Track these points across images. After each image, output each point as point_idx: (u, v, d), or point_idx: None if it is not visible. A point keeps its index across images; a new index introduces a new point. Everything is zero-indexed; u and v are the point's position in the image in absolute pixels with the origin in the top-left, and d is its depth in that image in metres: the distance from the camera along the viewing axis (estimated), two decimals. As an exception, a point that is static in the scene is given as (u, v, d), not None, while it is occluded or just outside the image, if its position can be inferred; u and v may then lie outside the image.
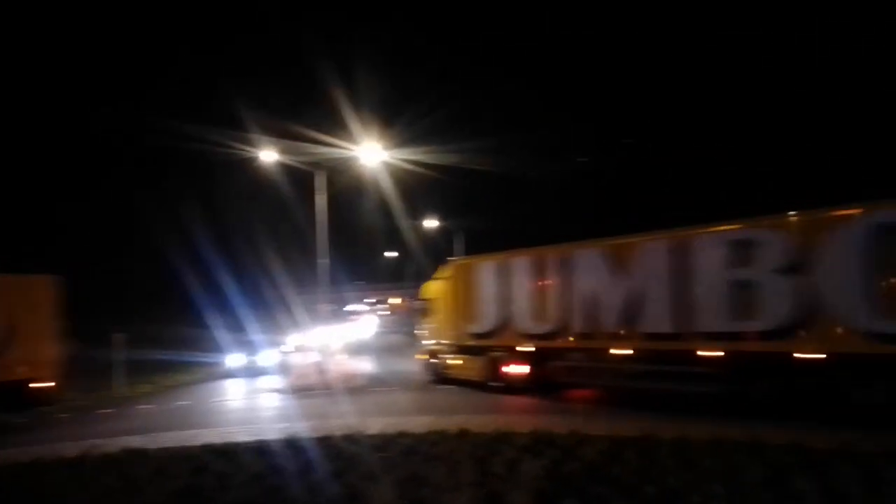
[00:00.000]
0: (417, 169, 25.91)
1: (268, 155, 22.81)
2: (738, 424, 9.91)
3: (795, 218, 11.61)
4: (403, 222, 36.67)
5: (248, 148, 22.85)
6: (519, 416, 12.45)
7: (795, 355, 11.10)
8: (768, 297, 11.51)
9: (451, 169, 29.48)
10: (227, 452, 9.39)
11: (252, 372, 24.16)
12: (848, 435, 8.63)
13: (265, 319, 33.72)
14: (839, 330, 10.73)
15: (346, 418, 12.47)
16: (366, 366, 24.71)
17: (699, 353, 12.39)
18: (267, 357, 25.13)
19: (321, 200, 23.24)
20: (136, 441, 10.90)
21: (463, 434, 10.02)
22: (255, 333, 26.53)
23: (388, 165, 24.35)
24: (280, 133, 23.20)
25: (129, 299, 37.94)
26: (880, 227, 10.36)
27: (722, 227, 12.57)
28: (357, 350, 30.86)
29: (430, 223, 39.22)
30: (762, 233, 11.86)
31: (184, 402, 18.14)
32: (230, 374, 24.23)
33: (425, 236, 39.07)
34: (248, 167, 24.56)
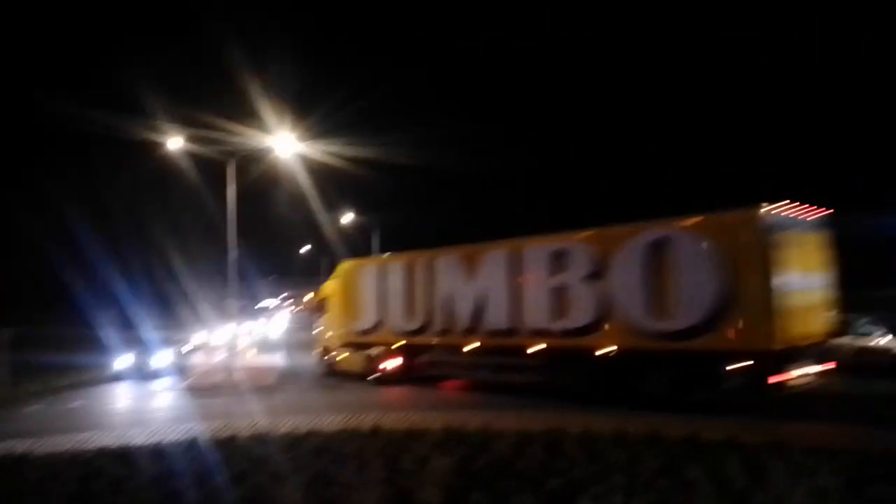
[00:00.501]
0: (336, 162, 25.55)
1: (174, 142, 21.75)
2: (639, 419, 10.43)
3: (597, 233, 13.57)
4: (319, 216, 36.00)
5: (152, 134, 21.70)
6: (430, 413, 12.50)
7: (595, 350, 13.01)
8: (577, 300, 13.42)
9: (370, 163, 29.23)
10: (123, 456, 8.87)
11: (144, 374, 22.54)
12: (735, 427, 9.31)
13: (166, 317, 32.05)
14: (625, 328, 12.63)
15: (253, 418, 12.09)
16: (276, 363, 24.08)
17: (527, 347, 14.23)
18: (162, 357, 23.57)
19: (232, 192, 22.43)
20: (20, 445, 10.09)
21: (374, 432, 9.95)
22: (151, 332, 24.99)
23: (304, 157, 23.84)
24: (189, 122, 22.19)
25: (13, 299, 35.02)
26: (652, 242, 12.33)
27: (544, 239, 14.42)
28: (267, 347, 29.98)
29: (347, 217, 38.71)
30: (574, 245, 13.74)
31: (75, 404, 17.00)
32: (118, 378, 22.49)
33: (342, 231, 38.51)
34: (153, 156, 23.30)
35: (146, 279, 34.65)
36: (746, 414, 11.03)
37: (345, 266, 20.53)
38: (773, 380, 10.86)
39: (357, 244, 35.82)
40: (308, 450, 8.80)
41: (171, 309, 32.62)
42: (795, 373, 11.13)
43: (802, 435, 8.86)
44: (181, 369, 21.69)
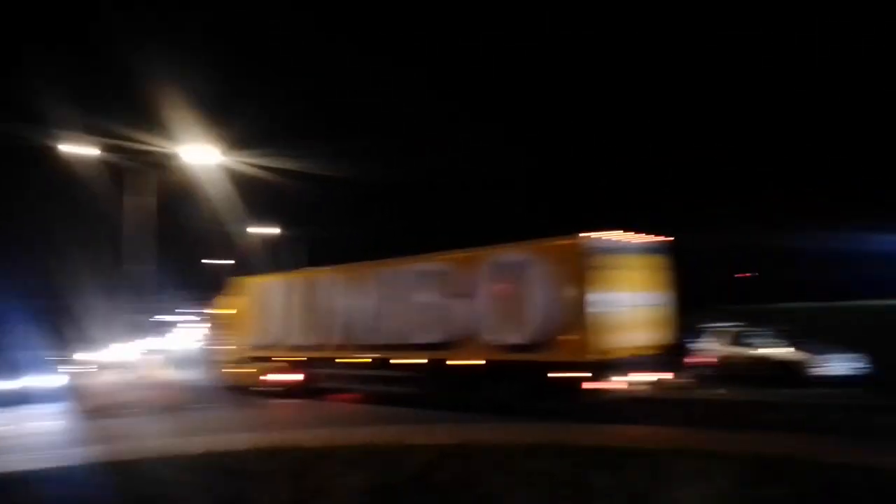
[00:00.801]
0: (260, 173, 24.90)
1: (69, 147, 20.37)
2: (551, 428, 10.68)
3: (463, 254, 14.66)
4: (239, 228, 34.73)
5: (53, 143, 20.30)
6: (341, 428, 12.25)
7: (461, 363, 13.99)
8: (448, 316, 14.39)
9: (298, 174, 28.46)
10: (4, 483, 8.16)
11: (20, 398, 20.35)
12: (640, 434, 9.71)
13: (65, 335, 29.91)
14: (483, 342, 13.71)
15: (160, 439, 11.47)
16: (185, 380, 23.02)
17: (410, 361, 15.09)
18: (53, 378, 21.59)
19: (134, 201, 21.42)
20: None
21: (288, 449, 9.65)
22: (43, 352, 23.03)
23: (224, 168, 23.05)
24: (99, 131, 20.89)
25: None
26: (502, 264, 13.68)
27: (420, 259, 15.48)
28: (176, 363, 28.59)
29: (269, 230, 37.44)
30: (444, 266, 14.85)
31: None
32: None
33: (263, 244, 37.23)
34: (55, 166, 21.84)
35: (40, 296, 32.27)
36: (648, 421, 11.60)
37: (248, 281, 20.83)
38: (587, 386, 12.08)
39: (280, 257, 34.79)
40: (218, 471, 8.40)
41: (70, 326, 30.54)
42: (616, 381, 12.25)
43: (702, 441, 9.32)
44: (80, 390, 20.28)
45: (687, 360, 17.19)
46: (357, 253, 18.68)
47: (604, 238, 12.78)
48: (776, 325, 18.51)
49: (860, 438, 9.72)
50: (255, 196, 31.66)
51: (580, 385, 12.10)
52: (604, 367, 12.13)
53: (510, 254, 13.64)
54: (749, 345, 18.03)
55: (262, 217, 35.14)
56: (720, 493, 6.54)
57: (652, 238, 13.64)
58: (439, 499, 6.78)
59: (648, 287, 13.34)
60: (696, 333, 18.54)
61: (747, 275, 32.23)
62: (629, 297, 12.83)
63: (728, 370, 17.49)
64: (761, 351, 17.62)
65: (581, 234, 12.53)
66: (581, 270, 12.37)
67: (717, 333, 18.62)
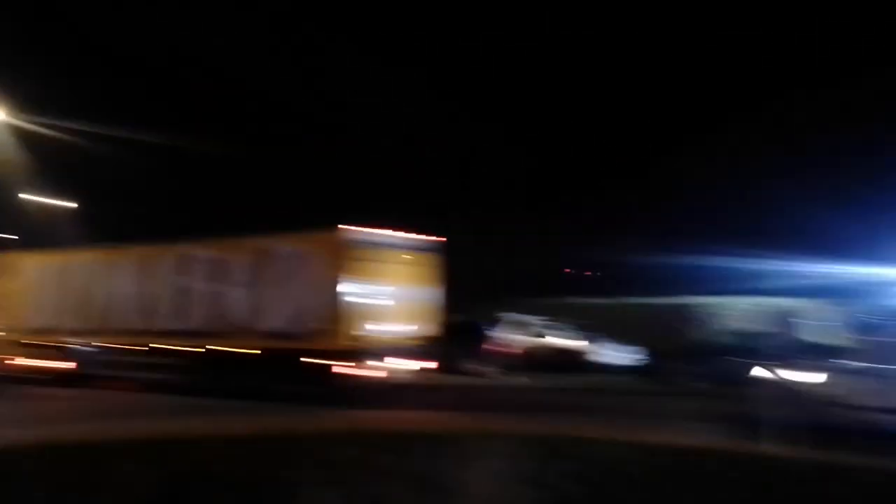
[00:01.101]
0: (63, 138, 22.17)
1: None
2: (338, 415, 11.18)
3: (229, 242, 14.65)
4: (21, 198, 30.42)
5: None
6: (123, 421, 11.40)
7: (230, 350, 14.20)
8: (217, 303, 14.39)
9: (97, 137, 25.55)
10: None
11: None
12: (445, 419, 10.29)
13: None
14: (249, 330, 13.92)
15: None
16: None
17: (183, 348, 14.96)
18: None
19: None
20: None
21: (69, 445, 8.83)
22: None
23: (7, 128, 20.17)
24: None
25: None
26: (262, 254, 13.91)
27: (191, 245, 15.21)
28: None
29: (63, 202, 33.30)
30: (213, 252, 14.74)
31: None
32: None
33: (53, 216, 32.97)
34: None
35: None
36: (431, 407, 12.51)
37: (17, 258, 18.91)
38: (337, 372, 12.74)
39: (72, 232, 31.04)
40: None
41: None
42: (369, 368, 13.00)
43: (481, 423, 10.16)
44: None
45: (493, 349, 18.52)
46: (166, 230, 17.44)
47: (364, 232, 13.26)
48: (575, 319, 20.53)
49: (631, 418, 11.13)
50: (53, 164, 28.02)
51: (330, 371, 12.64)
52: (354, 354, 12.74)
53: (274, 243, 13.82)
54: (549, 336, 19.81)
55: (56, 187, 31.16)
56: (501, 471, 7.12)
57: (421, 236, 14.31)
58: (235, 491, 6.68)
59: (413, 281, 14.00)
60: (502, 325, 19.96)
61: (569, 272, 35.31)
62: (390, 290, 13.50)
63: (531, 359, 19.06)
64: (559, 342, 19.48)
65: (339, 228, 12.96)
66: (337, 262, 12.87)
67: (523, 325, 20.19)
